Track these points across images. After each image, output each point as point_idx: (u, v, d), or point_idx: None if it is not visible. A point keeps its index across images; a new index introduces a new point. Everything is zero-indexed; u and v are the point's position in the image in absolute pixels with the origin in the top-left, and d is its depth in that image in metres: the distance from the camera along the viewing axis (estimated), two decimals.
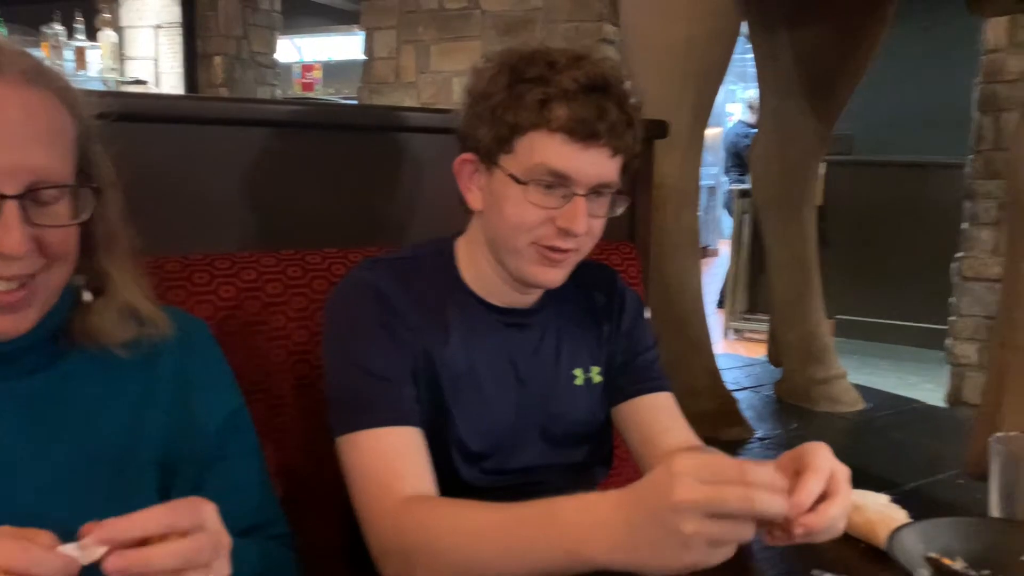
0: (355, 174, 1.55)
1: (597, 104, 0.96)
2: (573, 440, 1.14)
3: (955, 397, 3.92)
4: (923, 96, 5.60)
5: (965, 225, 3.86)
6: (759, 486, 0.65)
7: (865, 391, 2.58)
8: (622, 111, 0.98)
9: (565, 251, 1.01)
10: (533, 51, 0.99)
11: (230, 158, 1.42)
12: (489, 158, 1.02)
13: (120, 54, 5.59)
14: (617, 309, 1.17)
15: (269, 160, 1.45)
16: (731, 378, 2.66)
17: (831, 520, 0.71)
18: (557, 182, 0.98)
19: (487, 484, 1.08)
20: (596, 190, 1.00)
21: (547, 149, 0.97)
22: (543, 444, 1.12)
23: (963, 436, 2.16)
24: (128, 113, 1.28)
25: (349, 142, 1.55)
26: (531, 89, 0.96)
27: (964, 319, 3.89)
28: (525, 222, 1.00)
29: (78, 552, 0.57)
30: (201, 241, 1.32)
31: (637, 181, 1.76)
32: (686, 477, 0.66)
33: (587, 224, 0.99)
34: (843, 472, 0.73)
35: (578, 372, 1.13)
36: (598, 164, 0.98)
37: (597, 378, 1.15)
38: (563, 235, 1.00)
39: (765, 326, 5.43)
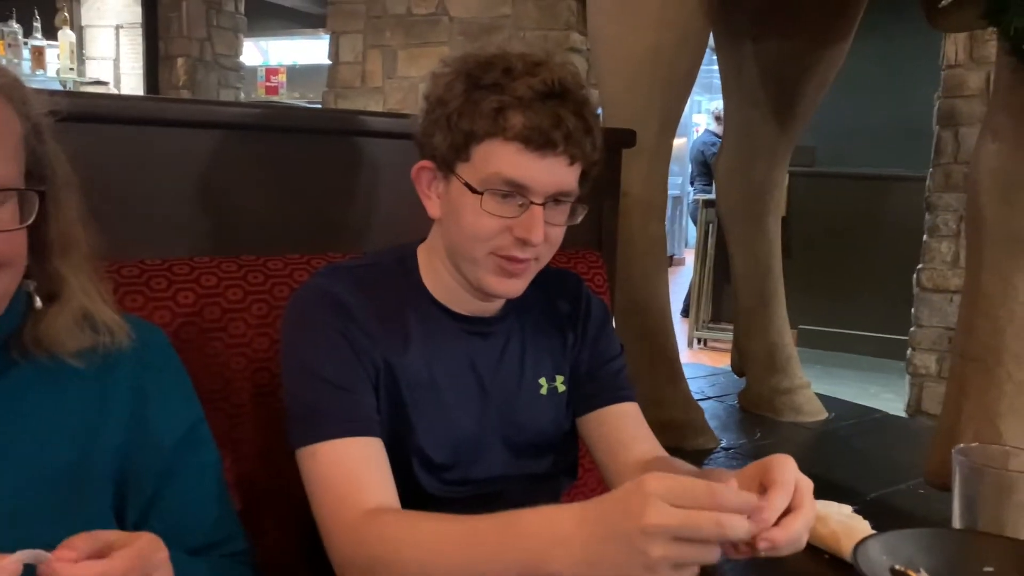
0: (318, 179, 1.53)
1: (553, 112, 0.94)
2: (537, 450, 1.12)
3: (915, 407, 3.98)
4: (884, 110, 5.69)
5: (925, 237, 3.92)
6: (730, 510, 0.65)
7: (828, 401, 2.60)
8: (580, 118, 0.96)
9: (524, 261, 1.00)
10: (490, 57, 0.97)
11: (190, 161, 1.39)
12: (446, 166, 1.00)
13: (79, 54, 5.50)
14: (583, 317, 1.16)
15: (231, 164, 1.42)
16: (696, 387, 2.67)
17: (795, 534, 0.71)
18: (513, 191, 0.96)
19: (449, 495, 1.06)
20: (554, 198, 0.98)
21: (503, 158, 0.95)
22: (506, 454, 1.10)
23: (924, 446, 2.19)
24: (83, 114, 1.25)
25: (312, 146, 1.53)
26: (487, 97, 0.94)
27: (924, 330, 3.95)
28: (482, 232, 0.98)
29: None
30: (160, 246, 1.28)
31: (604, 190, 1.75)
32: (658, 500, 0.65)
33: (544, 233, 0.98)
34: (806, 485, 0.74)
35: (543, 381, 1.12)
36: (555, 173, 0.96)
37: (562, 387, 1.14)
38: (521, 245, 0.98)
39: (730, 335, 5.50)
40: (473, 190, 0.97)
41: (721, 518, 0.65)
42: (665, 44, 2.05)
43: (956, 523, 0.93)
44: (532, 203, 0.96)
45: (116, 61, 5.80)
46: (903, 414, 3.97)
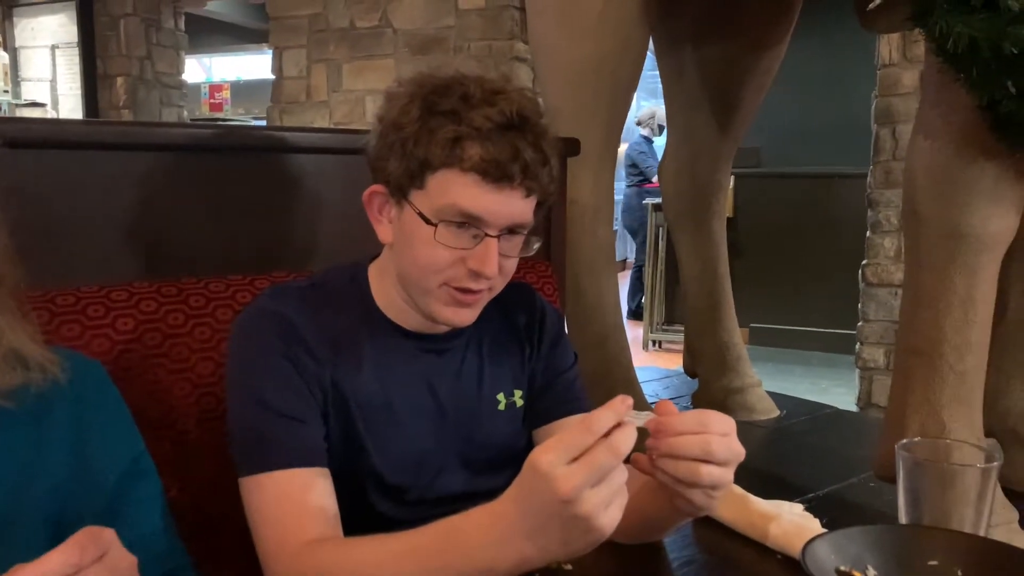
0: (260, 198, 1.51)
1: (511, 144, 0.93)
2: (495, 466, 1.11)
3: (865, 400, 4.06)
4: (826, 109, 5.81)
5: (868, 233, 4.01)
6: (607, 427, 0.71)
7: (779, 398, 2.63)
8: (537, 150, 0.95)
9: (476, 292, 0.99)
10: (448, 80, 0.96)
11: (127, 184, 1.36)
12: (399, 192, 0.98)
13: (14, 76, 5.37)
14: (538, 329, 1.16)
15: (169, 185, 1.39)
16: (649, 391, 2.69)
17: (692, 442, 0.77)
18: (468, 222, 0.95)
19: (407, 517, 1.04)
20: (509, 230, 0.98)
21: (458, 189, 0.94)
22: (465, 472, 1.10)
23: (874, 439, 2.23)
24: (16, 140, 1.22)
25: (252, 164, 1.51)
26: (444, 124, 0.93)
27: (871, 324, 4.03)
28: (435, 263, 0.97)
29: None
30: (97, 272, 1.26)
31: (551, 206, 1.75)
32: (556, 468, 0.70)
33: (499, 265, 0.97)
34: (723, 423, 0.80)
35: (501, 397, 1.12)
36: (511, 205, 0.96)
37: (520, 402, 1.13)
38: (474, 276, 0.97)
39: (683, 336, 5.58)
40: (427, 220, 0.95)
41: (611, 443, 0.70)
42: (607, 52, 2.06)
43: (902, 518, 0.95)
44: (487, 235, 0.95)
45: (53, 82, 5.69)
46: (855, 407, 4.04)
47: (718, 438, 0.78)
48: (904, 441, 0.96)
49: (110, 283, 1.20)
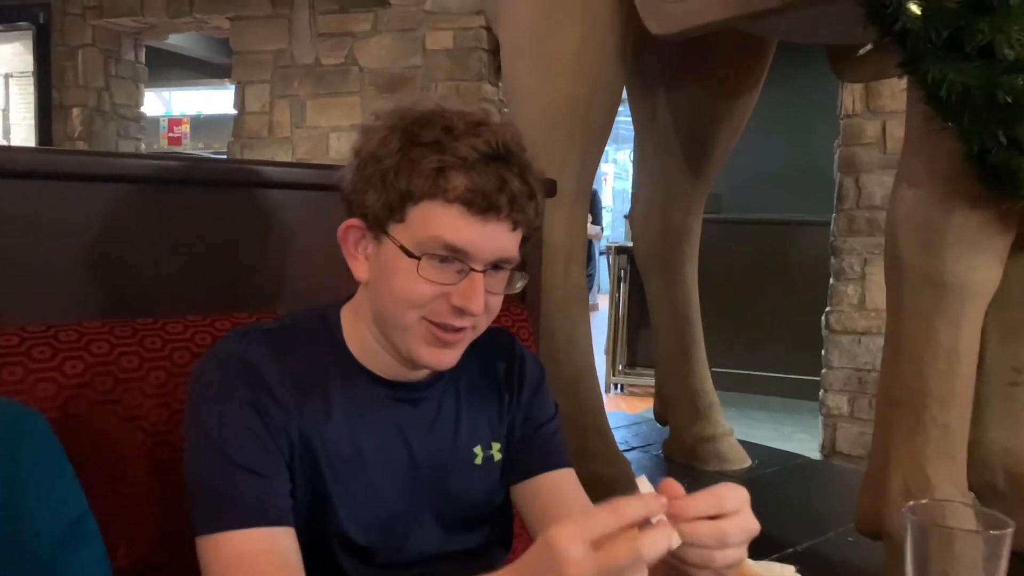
0: (221, 234, 1.42)
1: (498, 174, 0.88)
2: (471, 524, 1.05)
3: (830, 448, 4.04)
4: (787, 157, 5.89)
5: (832, 280, 4.02)
6: (637, 519, 0.66)
7: (750, 447, 2.60)
8: (524, 183, 0.91)
9: (459, 330, 0.93)
10: (429, 113, 0.91)
11: (77, 217, 1.27)
12: (378, 226, 0.93)
13: None
14: (517, 378, 1.09)
15: (123, 219, 1.31)
16: (619, 437, 2.63)
17: (715, 531, 0.70)
18: (452, 256, 0.90)
19: None
20: (494, 265, 0.92)
21: (442, 221, 0.89)
22: (438, 531, 1.02)
23: (847, 491, 2.19)
24: None
25: (214, 199, 1.42)
26: (426, 155, 0.88)
27: (834, 371, 4.03)
28: (416, 298, 0.91)
29: None
30: (44, 311, 1.17)
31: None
32: (572, 551, 0.64)
33: (484, 302, 0.92)
34: (741, 496, 0.73)
35: (478, 450, 1.05)
36: (497, 238, 0.91)
37: (497, 455, 1.06)
38: (458, 313, 0.91)
39: (646, 380, 5.55)
40: (410, 254, 0.90)
41: (637, 548, 0.64)
42: (582, 94, 2.04)
43: None
44: (472, 270, 0.90)
45: (6, 111, 5.54)
46: (818, 454, 4.03)
47: (733, 523, 0.71)
48: (912, 503, 0.91)
49: (58, 322, 1.11)
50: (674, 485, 0.71)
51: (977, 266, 1.43)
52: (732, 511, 0.71)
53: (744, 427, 4.14)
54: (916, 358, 1.50)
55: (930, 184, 1.43)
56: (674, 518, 0.70)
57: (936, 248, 1.45)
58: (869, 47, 1.30)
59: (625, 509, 0.65)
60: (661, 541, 0.65)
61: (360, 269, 0.97)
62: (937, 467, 1.50)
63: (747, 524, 0.72)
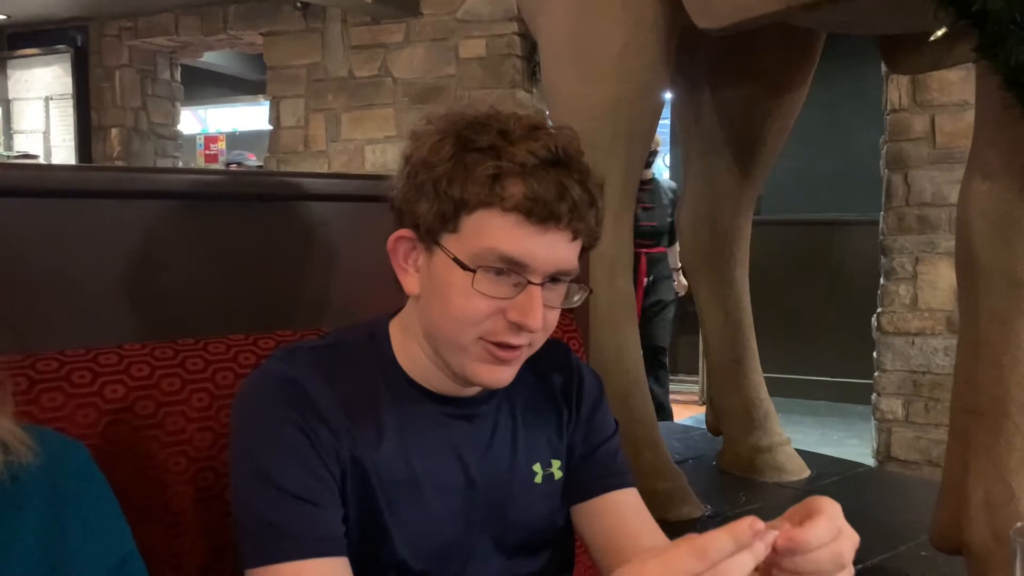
0: (263, 249, 1.38)
1: (558, 181, 0.83)
2: (532, 548, 0.99)
3: (884, 453, 3.92)
4: (826, 156, 5.77)
5: (882, 280, 3.91)
6: (726, 563, 0.60)
7: (807, 456, 2.51)
8: (584, 189, 0.85)
9: (516, 347, 0.87)
10: (482, 116, 0.86)
11: (118, 235, 1.23)
12: (430, 236, 0.87)
13: (7, 128, 5.31)
14: (576, 392, 1.03)
15: (161, 236, 1.27)
16: (671, 448, 2.55)
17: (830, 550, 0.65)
18: (509, 268, 0.84)
19: None
20: (552, 277, 0.87)
21: (499, 231, 0.83)
22: (498, 556, 0.96)
23: (915, 501, 2.09)
24: None
25: (255, 214, 1.38)
26: (482, 161, 0.83)
27: (888, 374, 3.91)
28: (471, 315, 0.85)
29: None
30: (83, 334, 1.13)
31: None
32: None
33: (543, 317, 0.86)
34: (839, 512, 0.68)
35: (537, 468, 0.99)
36: (556, 249, 0.85)
37: (558, 474, 1.00)
38: (515, 330, 0.86)
39: (686, 387, 5.45)
40: (464, 267, 0.84)
41: (720, 573, 0.59)
42: (625, 96, 1.98)
43: None
44: (530, 283, 0.84)
45: (46, 134, 5.62)
46: (871, 460, 3.91)
47: (846, 543, 0.65)
48: (1020, 525, 0.83)
49: (98, 346, 1.07)
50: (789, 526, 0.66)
51: None
52: (844, 530, 0.67)
53: (793, 433, 4.02)
54: (995, 363, 1.41)
55: (1008, 178, 1.34)
56: (792, 552, 0.63)
57: (1015, 245, 1.36)
58: (940, 33, 1.22)
59: (712, 549, 0.59)
60: (747, 563, 0.60)
61: (411, 283, 0.92)
62: (1022, 479, 1.40)
63: (854, 538, 0.68)
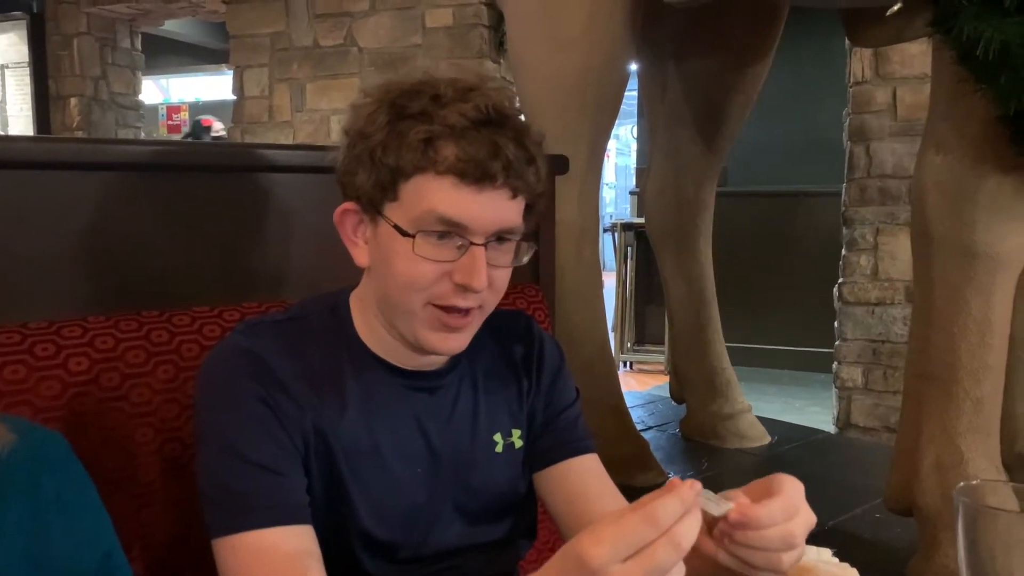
0: (225, 220, 1.37)
1: (490, 140, 0.83)
2: (494, 515, 1.00)
3: (844, 420, 4.01)
4: (792, 127, 5.81)
5: (844, 251, 3.97)
6: (677, 527, 0.59)
7: (768, 423, 2.56)
8: (520, 147, 0.86)
9: (466, 311, 0.88)
10: (416, 83, 0.87)
11: (75, 207, 1.22)
12: (372, 207, 0.88)
13: None
14: (536, 362, 1.05)
15: (123, 208, 1.26)
16: (635, 417, 2.59)
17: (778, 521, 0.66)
18: (450, 231, 0.85)
19: None
20: (497, 237, 0.88)
21: (435, 194, 0.84)
22: (461, 523, 0.98)
23: (869, 465, 2.15)
24: None
25: (216, 184, 1.37)
26: (414, 127, 0.84)
27: (848, 343, 3.99)
28: (417, 280, 0.86)
29: None
30: (46, 306, 1.12)
31: (540, 219, 1.65)
32: (608, 567, 0.58)
33: (488, 277, 0.86)
34: (800, 492, 0.69)
35: (498, 438, 1.00)
36: (496, 208, 0.86)
37: (519, 442, 1.02)
38: (462, 292, 0.87)
39: (655, 357, 5.51)
40: (404, 232, 0.85)
41: (674, 538, 0.58)
42: (592, 65, 1.98)
43: (963, 573, 0.85)
44: (472, 244, 0.85)
45: (2, 103, 5.49)
46: (832, 427, 3.99)
47: (800, 523, 0.67)
48: (962, 484, 0.86)
49: (61, 318, 1.07)
50: (740, 495, 0.67)
51: (1010, 233, 1.38)
52: (799, 510, 0.67)
53: (756, 401, 4.09)
54: (946, 330, 1.45)
55: (960, 150, 1.38)
56: (744, 526, 0.65)
57: (967, 216, 1.40)
58: (897, 7, 1.24)
59: (661, 514, 0.59)
60: (694, 524, 0.60)
61: (360, 255, 0.93)
62: (970, 442, 1.45)
63: (810, 519, 0.68)
